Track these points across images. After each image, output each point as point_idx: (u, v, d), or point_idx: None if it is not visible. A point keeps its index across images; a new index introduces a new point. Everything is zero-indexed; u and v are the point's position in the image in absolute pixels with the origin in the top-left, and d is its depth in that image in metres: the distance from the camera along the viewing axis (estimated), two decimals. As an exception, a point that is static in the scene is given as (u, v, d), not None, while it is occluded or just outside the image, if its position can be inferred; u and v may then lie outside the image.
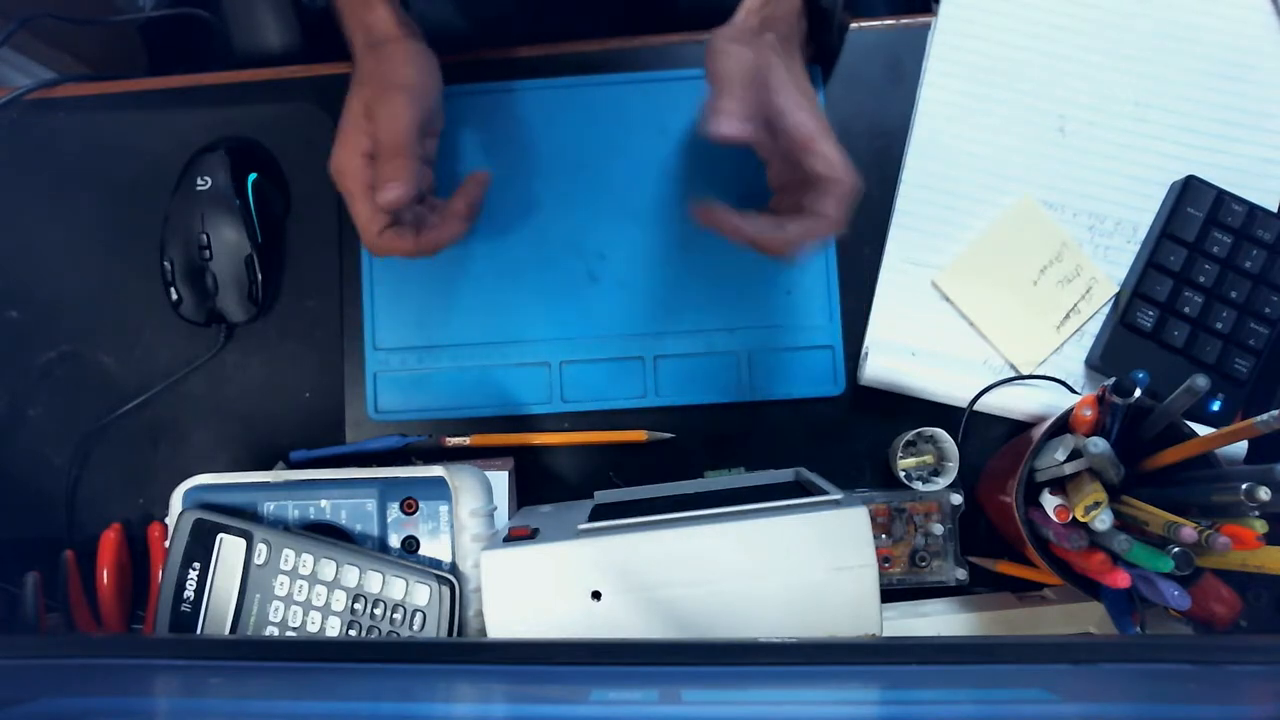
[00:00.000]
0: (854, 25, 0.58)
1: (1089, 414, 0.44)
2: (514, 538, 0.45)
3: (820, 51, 0.55)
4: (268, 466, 0.56)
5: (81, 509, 0.57)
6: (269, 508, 0.50)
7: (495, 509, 0.51)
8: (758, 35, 0.47)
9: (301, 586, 0.48)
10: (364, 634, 0.47)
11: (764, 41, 0.46)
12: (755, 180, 0.57)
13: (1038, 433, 0.47)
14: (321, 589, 0.47)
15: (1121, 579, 0.42)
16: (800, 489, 0.48)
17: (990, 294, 0.56)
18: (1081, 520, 0.43)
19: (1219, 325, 0.53)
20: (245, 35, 0.66)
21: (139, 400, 0.56)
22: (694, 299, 0.57)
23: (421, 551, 0.50)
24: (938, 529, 0.53)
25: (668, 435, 0.56)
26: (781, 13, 0.50)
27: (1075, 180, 0.56)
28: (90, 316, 0.58)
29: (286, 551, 0.48)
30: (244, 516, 0.49)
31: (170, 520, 0.49)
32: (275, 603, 0.48)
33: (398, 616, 0.47)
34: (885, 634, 0.43)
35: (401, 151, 0.46)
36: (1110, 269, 0.56)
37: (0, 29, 0.64)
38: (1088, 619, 0.51)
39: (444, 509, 0.50)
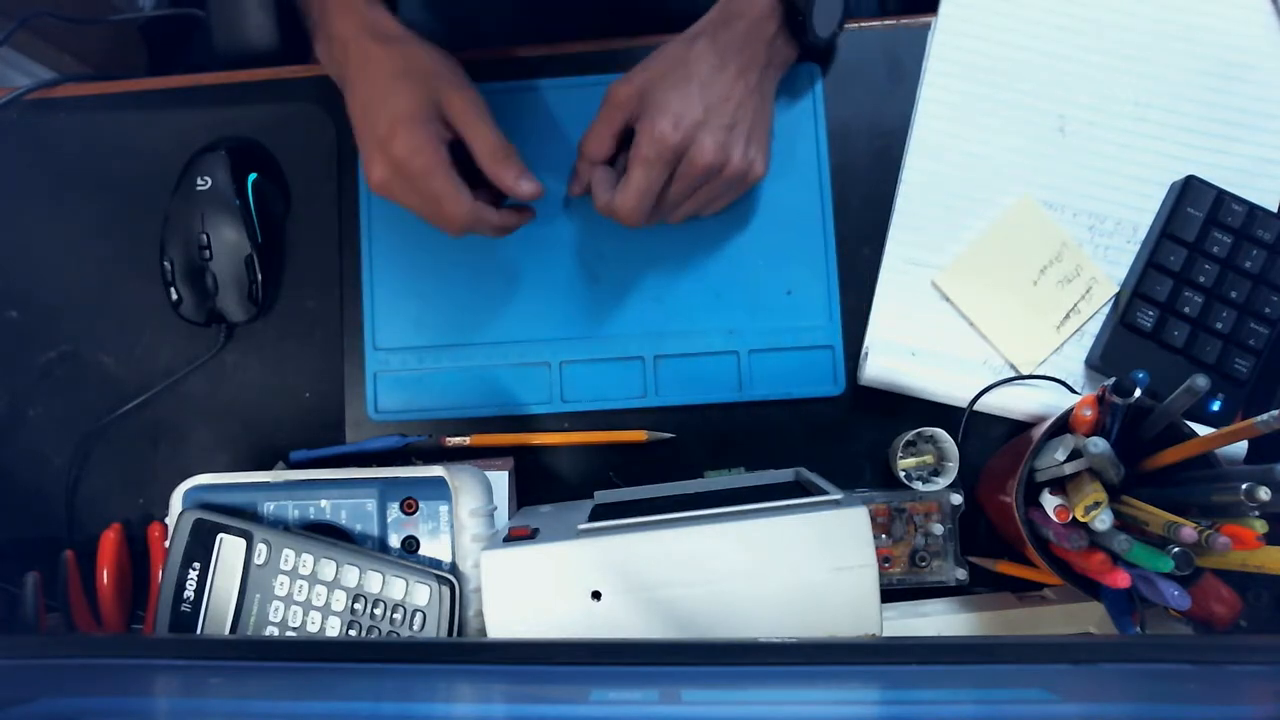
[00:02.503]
0: (855, 25, 0.58)
1: (1089, 414, 0.44)
2: (514, 538, 0.45)
3: (808, 49, 0.55)
4: (268, 466, 0.56)
5: (81, 509, 0.57)
6: (269, 508, 0.50)
7: (495, 509, 0.51)
8: (689, 44, 0.51)
9: (301, 586, 0.48)
10: (364, 634, 0.47)
11: (688, 51, 0.50)
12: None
13: (1038, 433, 0.47)
14: (321, 589, 0.47)
15: (1121, 579, 0.42)
16: (800, 489, 0.48)
17: (990, 294, 0.56)
18: (1081, 520, 0.43)
19: (1219, 325, 0.53)
20: (227, 34, 0.65)
21: (139, 400, 0.56)
22: (694, 299, 0.57)
23: (421, 551, 0.50)
24: (938, 529, 0.53)
25: (668, 435, 0.56)
26: (740, 12, 0.51)
27: (1075, 180, 0.56)
28: (90, 316, 0.58)
29: (286, 551, 0.48)
30: (244, 516, 0.49)
31: (170, 520, 0.49)
32: (275, 603, 0.48)
33: (398, 616, 0.47)
34: (885, 634, 0.43)
35: (512, 149, 0.49)
36: (1110, 269, 0.56)
37: (0, 29, 0.64)
38: (1088, 619, 0.51)
39: (444, 509, 0.50)
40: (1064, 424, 0.47)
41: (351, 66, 0.50)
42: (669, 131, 0.48)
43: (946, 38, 0.57)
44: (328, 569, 0.47)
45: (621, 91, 0.50)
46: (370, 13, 0.50)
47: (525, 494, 0.56)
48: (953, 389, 0.54)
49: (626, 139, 0.51)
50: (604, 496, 0.53)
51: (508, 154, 0.49)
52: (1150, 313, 0.54)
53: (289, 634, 0.48)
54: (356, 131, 0.50)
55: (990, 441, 0.55)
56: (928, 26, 0.58)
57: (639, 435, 0.56)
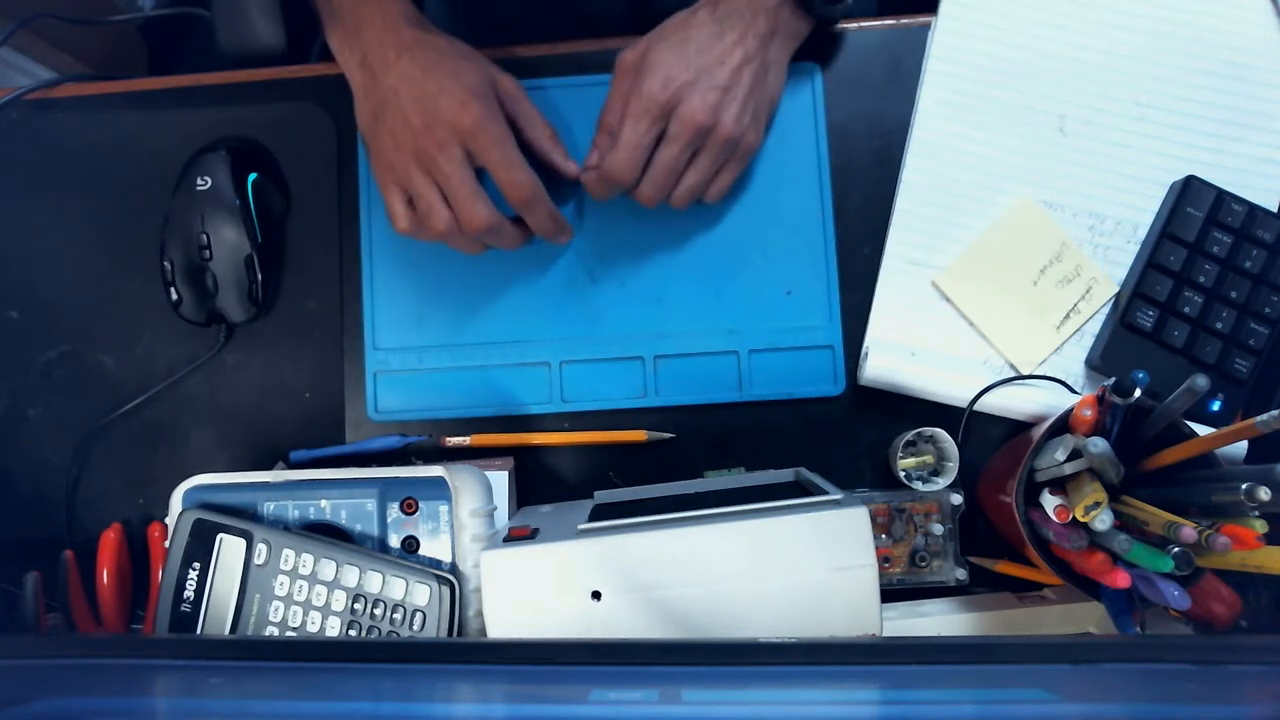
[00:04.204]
0: (855, 25, 0.58)
1: (1089, 414, 0.44)
2: (514, 538, 0.45)
3: (821, 23, 0.55)
4: (268, 466, 0.56)
5: (81, 509, 0.57)
6: (269, 508, 0.50)
7: (495, 509, 0.51)
8: (692, 13, 0.52)
9: (301, 586, 0.48)
10: (364, 634, 0.47)
11: (690, 18, 0.51)
12: (756, 179, 0.57)
13: (1038, 433, 0.47)
14: (321, 589, 0.47)
15: (1121, 579, 0.42)
16: (800, 489, 0.48)
17: (990, 294, 0.56)
18: (1081, 520, 0.43)
19: (1219, 325, 0.53)
20: (232, 35, 0.65)
21: (139, 400, 0.56)
22: (694, 299, 0.57)
23: (421, 551, 0.50)
24: (938, 529, 0.53)
25: (668, 435, 0.56)
26: None
27: (1075, 180, 0.56)
28: (90, 316, 0.58)
29: (286, 551, 0.48)
30: (244, 516, 0.49)
31: (170, 520, 0.49)
32: (275, 603, 0.48)
33: (398, 616, 0.47)
34: (885, 634, 0.43)
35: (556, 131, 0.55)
36: (1110, 269, 0.56)
37: (0, 29, 0.64)
38: (1088, 619, 0.51)
39: (444, 509, 0.50)
40: (1064, 424, 0.47)
41: (392, 50, 0.50)
42: (656, 89, 0.49)
43: (946, 38, 0.57)
44: (328, 569, 0.47)
45: (628, 58, 0.51)
46: (405, 4, 0.52)
47: (525, 494, 0.56)
48: (953, 389, 0.54)
49: None
50: (604, 496, 0.53)
51: (555, 134, 0.54)
52: (1150, 313, 0.54)
53: (289, 634, 0.48)
54: (400, 109, 0.49)
55: (990, 441, 0.55)
56: (928, 26, 0.58)
57: (639, 435, 0.56)
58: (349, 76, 0.53)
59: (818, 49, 0.57)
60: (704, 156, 0.51)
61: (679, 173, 0.52)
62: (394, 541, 0.50)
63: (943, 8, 0.57)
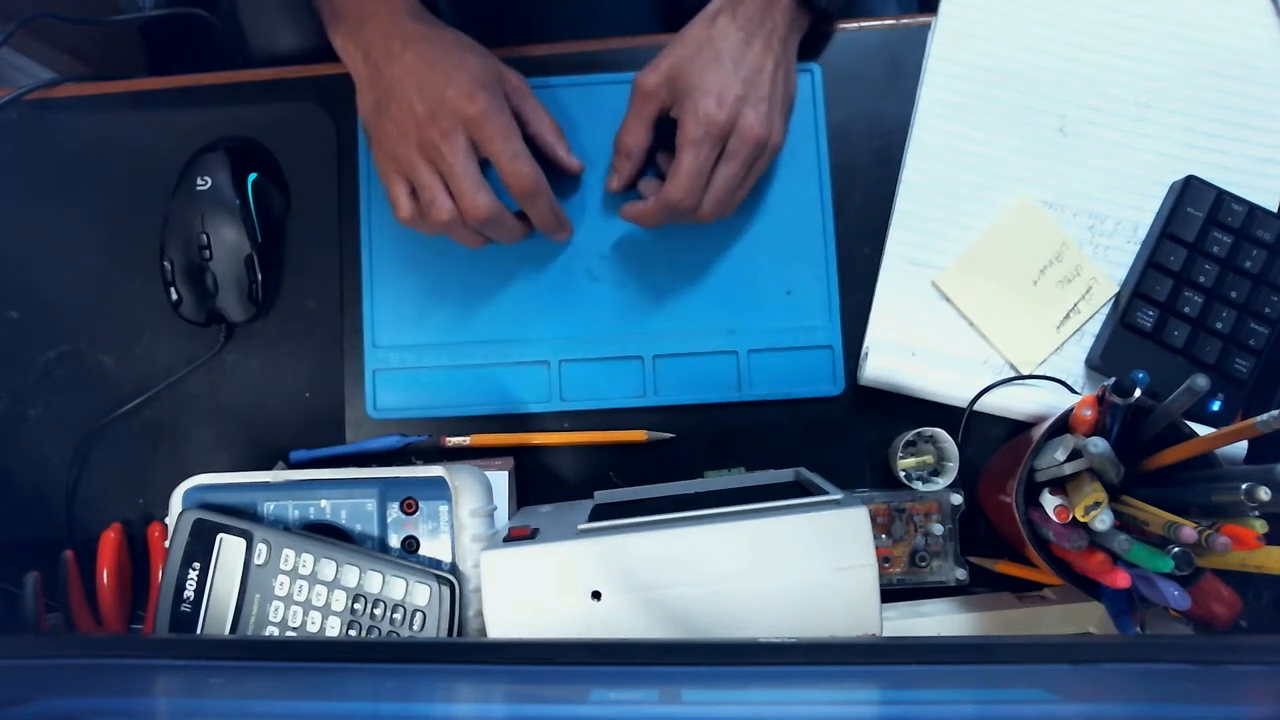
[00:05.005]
0: (855, 25, 0.58)
1: (1089, 414, 0.44)
2: (514, 538, 0.45)
3: (820, 16, 0.55)
4: (268, 466, 0.56)
5: (81, 509, 0.57)
6: (269, 508, 0.50)
7: (495, 509, 0.51)
8: (710, 23, 0.51)
9: (301, 586, 0.48)
10: (364, 634, 0.47)
11: (710, 29, 0.51)
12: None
13: (1038, 433, 0.47)
14: (321, 589, 0.47)
15: (1121, 579, 0.42)
16: (800, 489, 0.48)
17: (990, 294, 0.56)
18: (1081, 520, 0.43)
19: (1219, 325, 0.53)
20: (260, 38, 0.65)
21: (139, 400, 0.56)
22: (694, 298, 0.57)
23: (421, 551, 0.50)
24: (938, 529, 0.53)
25: (668, 435, 0.56)
26: None
27: (1075, 180, 0.56)
28: (90, 316, 0.58)
29: (286, 551, 0.48)
30: (244, 516, 0.49)
31: (170, 520, 0.49)
32: (275, 603, 0.48)
33: (398, 616, 0.47)
34: (885, 634, 0.43)
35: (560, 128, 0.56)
36: (1110, 269, 0.56)
37: (0, 29, 0.64)
38: (1088, 619, 0.51)
39: (444, 509, 0.50)
40: (1064, 424, 0.47)
41: (396, 42, 0.50)
42: (714, 110, 0.48)
43: (946, 38, 0.57)
44: (328, 569, 0.47)
45: (650, 80, 0.50)
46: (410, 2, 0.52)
47: (525, 494, 0.56)
48: (953, 389, 0.54)
49: (659, 130, 0.52)
50: (604, 496, 0.53)
51: (559, 129, 0.54)
52: (1150, 313, 0.54)
53: (289, 634, 0.48)
54: (405, 99, 0.49)
55: (990, 441, 0.55)
56: (928, 26, 0.58)
57: (639, 435, 0.56)
58: (352, 71, 0.53)
59: (818, 49, 0.58)
60: (755, 167, 0.52)
61: (736, 188, 0.52)
62: (394, 541, 0.50)
63: (943, 8, 0.57)
